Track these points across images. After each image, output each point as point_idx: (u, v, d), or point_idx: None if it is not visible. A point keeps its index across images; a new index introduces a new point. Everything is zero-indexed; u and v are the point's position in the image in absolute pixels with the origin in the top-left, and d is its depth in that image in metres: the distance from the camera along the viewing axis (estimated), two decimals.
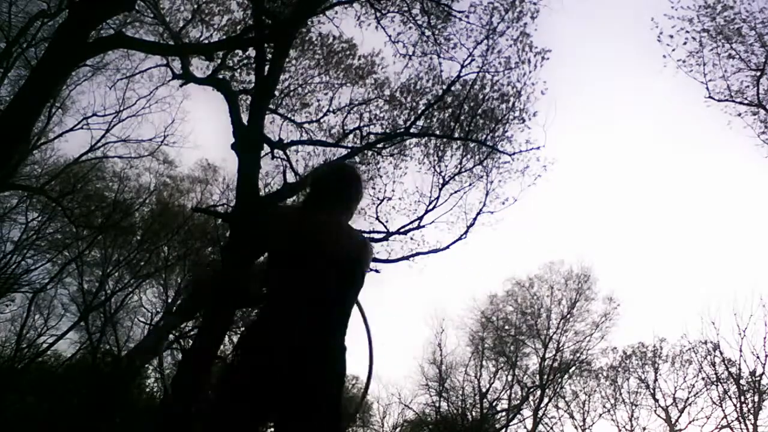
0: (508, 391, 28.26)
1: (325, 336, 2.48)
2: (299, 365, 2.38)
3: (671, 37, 13.55)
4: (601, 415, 27.57)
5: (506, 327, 28.83)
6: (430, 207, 14.08)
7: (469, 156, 14.26)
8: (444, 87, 13.65)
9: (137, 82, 18.31)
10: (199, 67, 14.13)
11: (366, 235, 14.13)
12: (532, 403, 27.88)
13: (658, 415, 26.62)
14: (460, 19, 13.07)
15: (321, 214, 2.69)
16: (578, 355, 28.29)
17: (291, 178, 13.63)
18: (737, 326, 26.82)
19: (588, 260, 35.36)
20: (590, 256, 37.16)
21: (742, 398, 23.12)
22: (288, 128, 15.40)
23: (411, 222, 14.04)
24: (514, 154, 13.58)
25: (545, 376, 27.60)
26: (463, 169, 14.23)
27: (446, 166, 14.39)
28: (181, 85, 14.85)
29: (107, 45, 11.09)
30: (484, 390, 28.04)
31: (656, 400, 26.77)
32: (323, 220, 2.66)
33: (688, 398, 25.69)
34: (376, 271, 13.32)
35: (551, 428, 28.18)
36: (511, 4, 12.89)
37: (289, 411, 2.37)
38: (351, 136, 14.78)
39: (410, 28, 13.57)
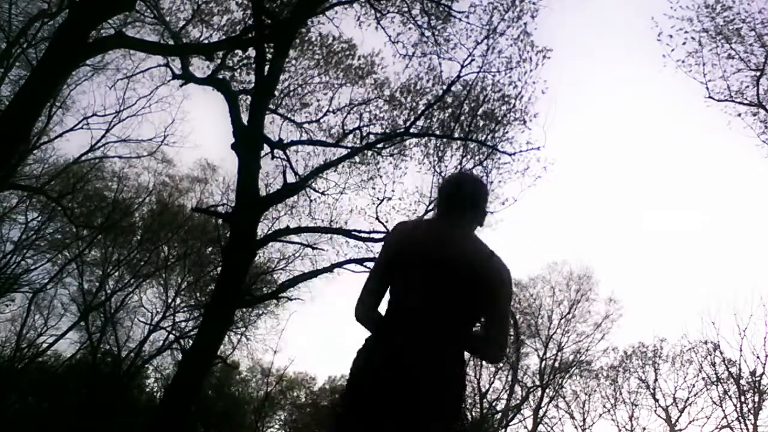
0: (508, 391, 28.28)
1: (435, 348, 2.37)
2: (409, 377, 2.32)
3: (671, 36, 13.56)
4: (601, 415, 27.62)
5: None
6: (430, 207, 14.08)
7: (469, 156, 14.27)
8: (444, 87, 13.64)
9: (137, 81, 18.29)
10: (199, 67, 14.14)
11: (366, 235, 14.18)
12: (532, 403, 27.92)
13: (658, 415, 26.65)
14: (460, 20, 13.08)
15: (439, 223, 2.60)
16: (578, 355, 28.33)
17: (291, 178, 13.63)
18: (737, 326, 26.97)
19: (589, 261, 35.51)
20: (591, 256, 37.21)
21: (742, 398, 23.11)
22: (288, 128, 15.42)
23: None
24: (514, 154, 13.56)
25: (545, 376, 27.61)
26: (463, 170, 14.23)
27: (446, 166, 14.39)
28: (181, 85, 14.84)
29: (107, 45, 11.06)
30: (484, 390, 28.05)
31: (656, 400, 26.80)
32: (437, 229, 2.56)
33: (688, 398, 25.73)
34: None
35: (551, 428, 28.23)
36: (511, 3, 12.89)
37: (401, 422, 2.32)
38: (351, 136, 14.79)
39: (410, 28, 13.57)
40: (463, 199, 2.61)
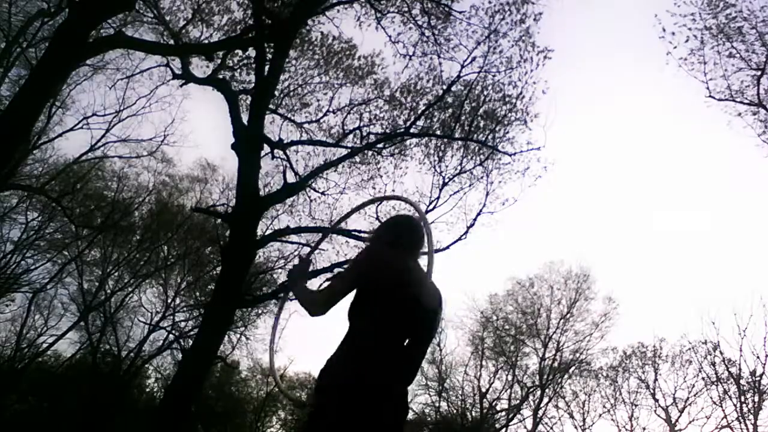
0: (508, 391, 28.29)
1: (401, 377, 2.60)
2: (378, 404, 2.46)
3: (673, 34, 13.53)
4: (601, 415, 27.60)
5: (506, 327, 28.83)
6: (430, 207, 14.04)
7: (469, 156, 14.24)
8: (444, 87, 13.63)
9: (137, 81, 18.31)
10: (199, 67, 14.13)
11: (366, 235, 14.17)
12: (532, 403, 27.92)
13: (658, 415, 26.64)
14: (461, 20, 13.07)
15: (407, 258, 2.82)
16: (578, 355, 28.33)
17: (291, 178, 13.60)
18: (737, 326, 26.97)
19: (587, 260, 35.59)
20: (590, 256, 37.26)
21: (742, 398, 23.10)
22: (288, 128, 15.40)
23: None
24: (514, 154, 13.54)
25: (545, 376, 27.61)
26: (463, 170, 14.20)
27: (446, 166, 14.35)
28: (181, 85, 14.84)
29: (107, 45, 11.08)
30: (483, 390, 28.05)
31: (656, 400, 26.79)
32: (412, 266, 2.79)
33: (688, 398, 25.70)
34: None
35: (551, 428, 28.21)
36: (512, 7, 12.87)
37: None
38: (351, 136, 14.76)
39: (410, 28, 13.57)
40: (417, 243, 2.91)
